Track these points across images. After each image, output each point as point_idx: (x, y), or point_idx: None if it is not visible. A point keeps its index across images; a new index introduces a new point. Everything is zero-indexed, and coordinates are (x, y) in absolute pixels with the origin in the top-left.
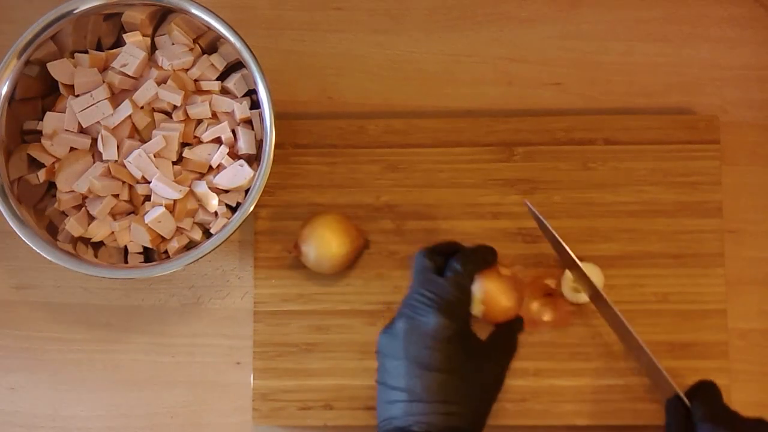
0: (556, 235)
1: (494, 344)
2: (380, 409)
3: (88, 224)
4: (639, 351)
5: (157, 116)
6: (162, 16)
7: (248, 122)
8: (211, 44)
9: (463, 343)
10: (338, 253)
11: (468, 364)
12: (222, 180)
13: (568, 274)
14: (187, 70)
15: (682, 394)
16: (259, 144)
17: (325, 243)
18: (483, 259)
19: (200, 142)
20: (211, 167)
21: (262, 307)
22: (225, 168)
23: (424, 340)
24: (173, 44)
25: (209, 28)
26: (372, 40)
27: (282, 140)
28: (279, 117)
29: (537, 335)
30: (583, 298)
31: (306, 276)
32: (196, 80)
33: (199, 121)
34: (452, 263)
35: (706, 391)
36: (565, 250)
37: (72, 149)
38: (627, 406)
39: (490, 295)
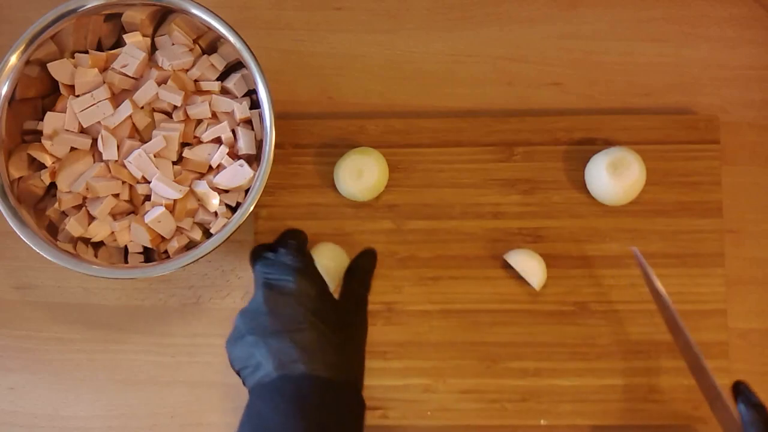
0: (657, 285)
1: (347, 298)
2: (248, 375)
3: (88, 224)
4: (686, 350)
5: (157, 116)
6: (162, 17)
7: (248, 122)
8: (211, 44)
9: (326, 303)
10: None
11: (335, 321)
12: (222, 180)
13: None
14: (187, 70)
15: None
16: (259, 144)
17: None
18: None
19: (200, 142)
20: (211, 167)
21: None
22: (225, 168)
23: (287, 301)
24: (173, 44)
25: (209, 28)
26: (372, 40)
27: (282, 140)
28: (279, 117)
29: (537, 335)
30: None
31: None
32: (196, 80)
33: (199, 121)
34: (284, 238)
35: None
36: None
37: (72, 149)
38: (627, 406)
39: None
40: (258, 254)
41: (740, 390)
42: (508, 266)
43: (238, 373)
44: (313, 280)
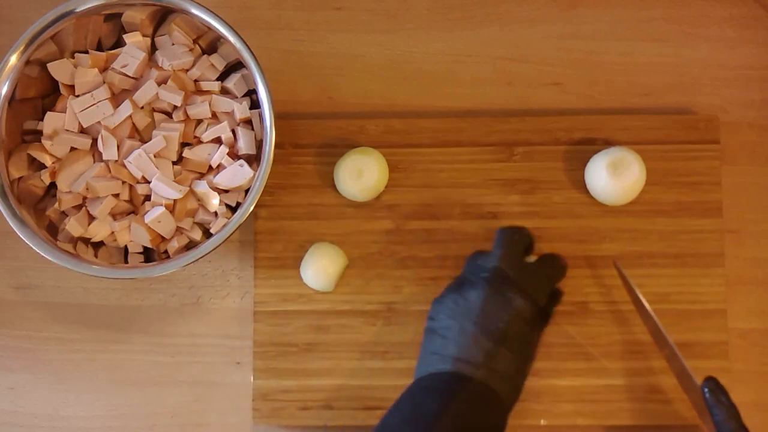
0: (641, 297)
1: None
2: (426, 362)
3: (88, 224)
4: (672, 360)
5: (157, 116)
6: (162, 16)
7: (248, 122)
8: (211, 44)
9: (532, 334)
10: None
11: (528, 341)
12: (222, 180)
13: None
14: (187, 70)
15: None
16: (259, 144)
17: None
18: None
19: (200, 142)
20: (211, 167)
21: (262, 307)
22: (225, 168)
23: (503, 315)
24: (173, 44)
25: (209, 28)
26: (372, 40)
27: (282, 140)
28: (279, 117)
29: None
30: None
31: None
32: (196, 80)
33: (199, 121)
34: (551, 260)
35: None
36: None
37: (72, 149)
38: (627, 406)
39: None
40: (514, 245)
41: (710, 389)
42: None
43: (427, 331)
44: (533, 304)
